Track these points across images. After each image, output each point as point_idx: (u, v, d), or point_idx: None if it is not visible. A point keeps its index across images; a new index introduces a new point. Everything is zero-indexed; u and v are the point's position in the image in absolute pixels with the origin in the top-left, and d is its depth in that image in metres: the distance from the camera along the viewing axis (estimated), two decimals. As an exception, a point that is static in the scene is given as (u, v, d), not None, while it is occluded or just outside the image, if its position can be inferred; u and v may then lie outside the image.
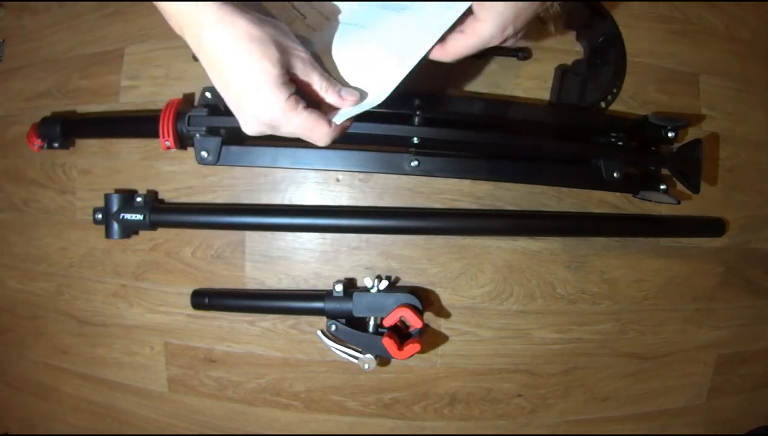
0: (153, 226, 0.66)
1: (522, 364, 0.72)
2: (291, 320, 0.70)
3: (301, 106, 0.39)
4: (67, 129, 0.68)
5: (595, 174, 0.63)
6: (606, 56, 0.67)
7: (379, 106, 0.43)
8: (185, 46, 0.41)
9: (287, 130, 0.40)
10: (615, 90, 0.68)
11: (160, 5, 0.36)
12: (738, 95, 0.72)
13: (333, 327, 0.64)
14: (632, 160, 0.65)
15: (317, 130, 0.40)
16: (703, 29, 0.71)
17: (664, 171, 0.66)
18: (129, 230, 0.66)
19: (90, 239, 0.72)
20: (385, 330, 0.62)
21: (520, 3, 0.40)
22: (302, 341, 0.70)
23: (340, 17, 0.48)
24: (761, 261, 0.74)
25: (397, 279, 0.69)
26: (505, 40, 0.43)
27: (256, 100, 0.37)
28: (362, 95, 0.44)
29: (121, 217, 0.65)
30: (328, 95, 0.41)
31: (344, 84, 0.44)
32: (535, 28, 0.66)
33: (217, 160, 0.60)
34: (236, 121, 0.41)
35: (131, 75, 0.70)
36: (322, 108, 0.43)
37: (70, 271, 0.74)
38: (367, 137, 0.58)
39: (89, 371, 0.76)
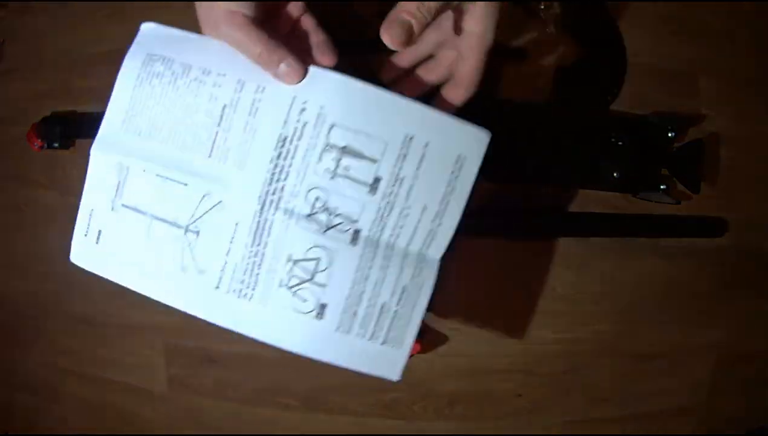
0: (153, 226, 0.65)
1: (522, 364, 0.72)
2: (291, 320, 0.70)
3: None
4: (67, 129, 0.68)
5: (595, 174, 0.63)
6: (606, 56, 0.67)
7: None
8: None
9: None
10: (615, 90, 0.68)
11: None
12: (738, 95, 0.72)
13: (333, 327, 0.63)
14: (632, 160, 0.65)
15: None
16: (703, 29, 0.71)
17: (664, 171, 0.66)
18: (129, 230, 0.66)
19: (90, 239, 0.72)
20: (385, 330, 0.62)
21: None
22: (302, 341, 0.70)
23: None
24: (761, 261, 0.74)
25: (397, 279, 0.69)
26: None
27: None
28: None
29: (121, 217, 0.64)
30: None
31: None
32: (534, 28, 0.66)
33: (217, 161, 0.60)
34: None
35: (131, 75, 0.70)
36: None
37: (70, 271, 0.74)
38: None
39: (89, 371, 0.76)
